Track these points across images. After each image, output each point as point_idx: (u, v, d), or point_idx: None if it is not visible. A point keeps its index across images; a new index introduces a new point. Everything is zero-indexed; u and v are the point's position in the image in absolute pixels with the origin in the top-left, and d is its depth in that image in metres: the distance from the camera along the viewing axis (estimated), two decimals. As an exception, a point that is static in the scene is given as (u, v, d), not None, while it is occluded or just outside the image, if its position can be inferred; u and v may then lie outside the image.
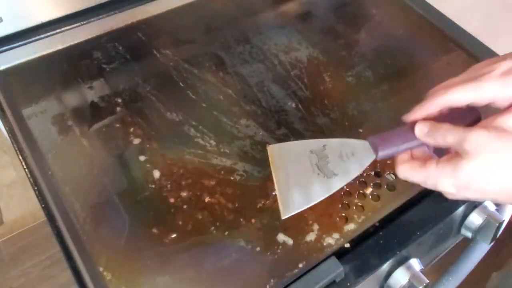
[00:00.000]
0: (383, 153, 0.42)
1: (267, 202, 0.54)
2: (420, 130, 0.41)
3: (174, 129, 0.62)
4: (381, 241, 0.52)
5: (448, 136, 0.38)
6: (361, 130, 0.62)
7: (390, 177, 0.57)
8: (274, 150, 0.47)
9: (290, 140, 0.60)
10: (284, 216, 0.46)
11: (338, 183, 0.44)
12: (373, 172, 0.57)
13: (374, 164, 0.57)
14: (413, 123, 0.42)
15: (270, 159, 0.47)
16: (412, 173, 0.41)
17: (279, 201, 0.47)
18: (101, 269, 0.49)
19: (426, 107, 0.42)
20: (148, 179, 0.56)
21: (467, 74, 0.42)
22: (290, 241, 0.51)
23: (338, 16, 0.79)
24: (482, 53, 0.71)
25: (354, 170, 0.43)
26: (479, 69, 0.41)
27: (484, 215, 0.58)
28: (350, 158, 0.44)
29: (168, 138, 0.61)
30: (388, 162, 0.58)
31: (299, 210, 0.46)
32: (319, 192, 0.44)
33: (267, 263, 0.49)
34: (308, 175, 0.44)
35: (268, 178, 0.56)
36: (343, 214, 0.53)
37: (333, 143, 0.45)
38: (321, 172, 0.44)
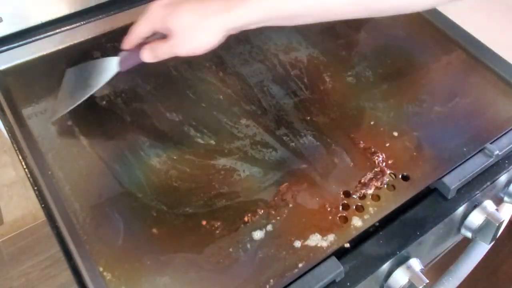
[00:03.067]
0: (124, 68, 0.57)
1: (267, 202, 0.54)
2: (146, 57, 0.54)
3: (174, 129, 0.62)
4: (381, 241, 0.52)
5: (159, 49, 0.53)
6: (361, 130, 0.62)
7: (390, 177, 0.57)
8: (66, 74, 0.63)
9: (290, 139, 0.61)
10: (52, 119, 0.61)
11: (86, 93, 0.59)
12: (373, 172, 0.57)
13: (374, 164, 0.58)
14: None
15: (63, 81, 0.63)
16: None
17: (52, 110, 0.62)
18: (101, 269, 0.49)
19: (128, 42, 0.55)
20: (148, 179, 0.57)
21: None
22: (290, 241, 0.51)
23: (338, 16, 0.79)
24: (482, 53, 0.71)
25: (101, 82, 0.58)
26: None
27: (484, 215, 0.58)
28: (102, 72, 0.58)
29: (168, 138, 0.61)
30: (389, 162, 0.58)
31: (59, 114, 0.61)
32: (70, 101, 0.59)
33: (267, 263, 0.49)
34: (76, 90, 0.60)
35: (268, 178, 0.57)
36: (343, 214, 0.53)
37: (92, 63, 0.59)
38: (78, 85, 0.60)
